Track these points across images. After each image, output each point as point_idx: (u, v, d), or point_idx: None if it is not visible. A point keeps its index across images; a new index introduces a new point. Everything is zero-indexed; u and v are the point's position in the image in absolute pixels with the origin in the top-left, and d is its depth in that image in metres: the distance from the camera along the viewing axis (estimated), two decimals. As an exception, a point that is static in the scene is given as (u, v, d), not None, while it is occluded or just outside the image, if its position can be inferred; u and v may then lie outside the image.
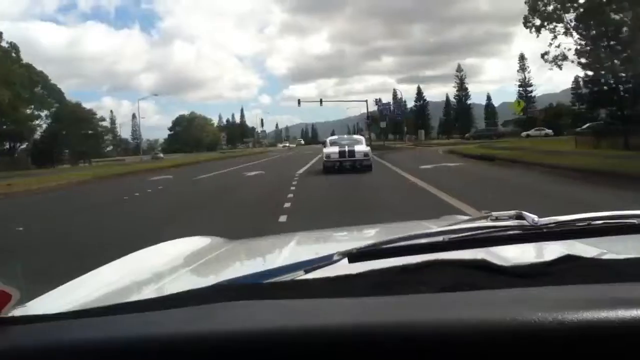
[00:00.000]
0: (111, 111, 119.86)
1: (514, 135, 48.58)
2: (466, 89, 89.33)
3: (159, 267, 1.11)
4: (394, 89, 58.12)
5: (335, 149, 16.46)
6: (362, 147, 16.61)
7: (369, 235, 1.48)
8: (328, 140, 18.98)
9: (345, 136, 21.95)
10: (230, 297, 0.56)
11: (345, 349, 0.44)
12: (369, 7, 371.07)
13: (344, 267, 0.67)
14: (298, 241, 1.40)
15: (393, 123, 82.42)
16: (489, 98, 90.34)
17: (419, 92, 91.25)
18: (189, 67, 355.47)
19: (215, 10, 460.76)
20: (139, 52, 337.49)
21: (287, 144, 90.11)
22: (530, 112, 51.58)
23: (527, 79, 71.30)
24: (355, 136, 21.60)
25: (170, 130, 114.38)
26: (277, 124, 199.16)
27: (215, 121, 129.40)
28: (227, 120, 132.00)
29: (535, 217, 0.72)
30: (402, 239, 0.72)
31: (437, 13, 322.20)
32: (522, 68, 71.39)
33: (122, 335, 0.50)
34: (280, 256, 1.23)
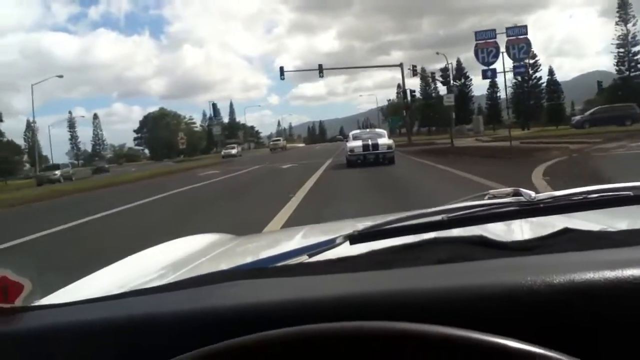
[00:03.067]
0: (70, 112, 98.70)
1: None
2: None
3: (167, 263, 1.13)
4: (415, 69, 34.82)
5: (359, 143, 16.74)
6: (385, 140, 17.00)
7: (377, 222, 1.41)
8: (351, 134, 19.20)
9: (367, 130, 23.47)
10: (236, 279, 0.59)
11: (341, 318, 0.44)
12: (377, 2, 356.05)
13: (346, 249, 0.70)
14: (305, 233, 1.43)
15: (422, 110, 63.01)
16: (551, 72, 67.35)
17: (460, 67, 68.34)
18: (198, 71, 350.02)
19: (223, 13, 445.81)
20: (149, 58, 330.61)
21: (280, 142, 65.74)
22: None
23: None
24: (377, 130, 22.23)
25: (137, 133, 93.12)
26: (279, 122, 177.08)
27: (199, 119, 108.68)
28: (210, 118, 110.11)
29: (532, 193, 0.73)
30: (402, 219, 0.74)
31: (446, 5, 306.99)
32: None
33: (131, 314, 0.53)
34: (287, 246, 1.24)
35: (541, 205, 0.71)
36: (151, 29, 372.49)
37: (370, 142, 16.38)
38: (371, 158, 15.85)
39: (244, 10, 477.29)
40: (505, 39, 16.27)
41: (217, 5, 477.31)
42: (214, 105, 39.05)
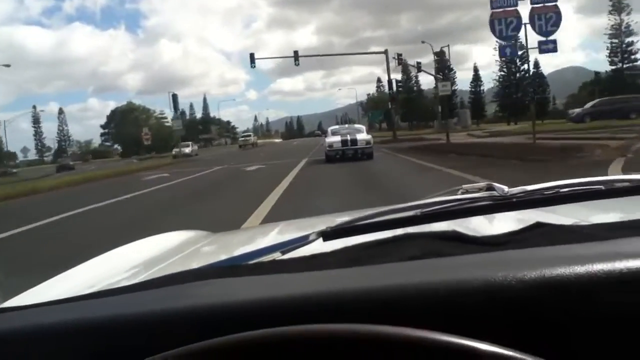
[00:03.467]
0: (34, 107, 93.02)
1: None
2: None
3: (139, 261, 1.12)
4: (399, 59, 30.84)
5: (337, 138, 16.82)
6: (363, 136, 17.04)
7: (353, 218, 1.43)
8: (329, 129, 19.38)
9: (346, 125, 23.63)
10: (210, 277, 0.59)
11: (313, 316, 0.44)
12: None
13: (319, 246, 0.70)
14: (281, 229, 1.43)
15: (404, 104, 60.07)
16: (537, 65, 64.53)
17: (443, 59, 64.77)
18: (176, 66, 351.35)
19: (201, 8, 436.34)
20: (125, 52, 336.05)
21: (250, 138, 57.92)
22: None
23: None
24: (356, 125, 22.23)
25: (104, 128, 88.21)
26: (255, 117, 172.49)
27: (170, 114, 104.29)
28: (182, 112, 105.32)
29: (505, 188, 0.74)
30: (375, 215, 0.74)
31: (424, 1, 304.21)
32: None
33: (101, 315, 0.52)
34: (261, 242, 1.28)
35: (514, 199, 0.72)
36: (127, 23, 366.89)
37: (349, 137, 16.45)
38: (350, 153, 15.91)
39: (222, 4, 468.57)
40: (529, 7, 12.73)
41: (195, 0, 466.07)
42: (174, 97, 33.48)
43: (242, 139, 58.56)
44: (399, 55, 34.84)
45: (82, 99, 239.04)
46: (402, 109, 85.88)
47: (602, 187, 0.73)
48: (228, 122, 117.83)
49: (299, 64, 31.67)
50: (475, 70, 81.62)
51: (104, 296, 0.58)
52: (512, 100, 60.00)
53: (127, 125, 74.46)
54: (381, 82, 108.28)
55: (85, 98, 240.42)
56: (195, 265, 0.96)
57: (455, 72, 79.82)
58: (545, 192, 0.73)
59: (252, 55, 31.52)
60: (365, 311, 0.45)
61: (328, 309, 0.46)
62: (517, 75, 64.71)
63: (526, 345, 0.40)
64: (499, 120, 72.61)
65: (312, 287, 0.50)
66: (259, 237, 1.41)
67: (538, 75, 67.85)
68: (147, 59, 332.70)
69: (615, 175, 0.77)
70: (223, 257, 1.00)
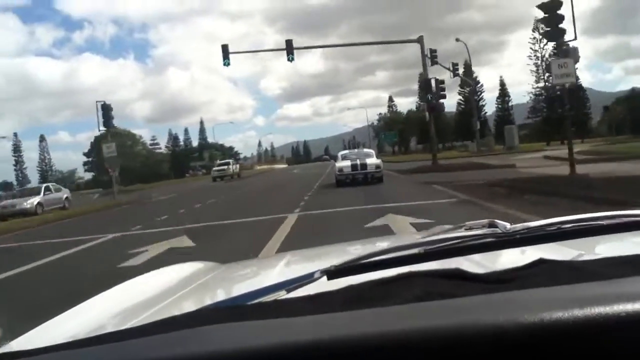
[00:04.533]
0: (15, 134, 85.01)
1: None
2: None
3: (148, 296, 1.12)
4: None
5: (348, 163, 16.86)
6: (373, 160, 17.21)
7: (357, 251, 1.45)
8: (340, 154, 19.41)
9: (356, 150, 23.68)
10: (212, 321, 0.58)
11: None
12: (362, 23, 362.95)
13: (323, 285, 0.71)
14: (287, 261, 1.44)
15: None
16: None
17: (469, 69, 54.93)
18: (184, 94, 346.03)
19: (209, 36, 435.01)
20: (134, 81, 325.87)
21: (227, 169, 42.14)
22: None
23: None
24: (366, 150, 22.28)
25: (87, 156, 79.35)
26: (259, 142, 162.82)
27: (164, 141, 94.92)
28: (175, 137, 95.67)
29: (508, 225, 0.75)
30: (379, 253, 0.75)
31: (429, 25, 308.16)
32: None
33: None
34: (268, 277, 1.27)
35: (517, 236, 0.73)
36: (136, 53, 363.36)
37: (358, 161, 16.68)
38: (360, 178, 16.22)
39: (229, 32, 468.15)
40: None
41: (203, 29, 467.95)
42: (105, 108, 21.38)
43: (217, 169, 42.31)
44: (433, 51, 25.01)
45: (91, 128, 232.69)
46: (416, 129, 76.13)
47: (603, 222, 0.74)
48: (231, 148, 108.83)
49: (292, 59, 22.15)
50: (502, 84, 72.20)
51: (96, 344, 0.56)
52: (556, 115, 50.52)
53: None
54: (392, 101, 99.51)
55: (93, 127, 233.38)
56: (198, 304, 0.96)
57: (482, 85, 70.45)
58: (548, 229, 0.74)
59: (224, 49, 21.87)
60: (370, 358, 0.45)
61: (332, 355, 0.46)
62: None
63: None
64: (535, 138, 63.48)
65: (315, 332, 0.49)
66: (265, 271, 1.41)
67: (578, 87, 58.94)
68: (155, 88, 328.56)
69: (619, 211, 0.77)
70: (228, 293, 1.00)
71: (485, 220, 0.79)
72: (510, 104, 72.05)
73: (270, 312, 0.59)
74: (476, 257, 0.82)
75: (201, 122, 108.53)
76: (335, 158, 20.76)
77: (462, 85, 63.99)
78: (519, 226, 0.74)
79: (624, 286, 0.51)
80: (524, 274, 0.65)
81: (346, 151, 21.55)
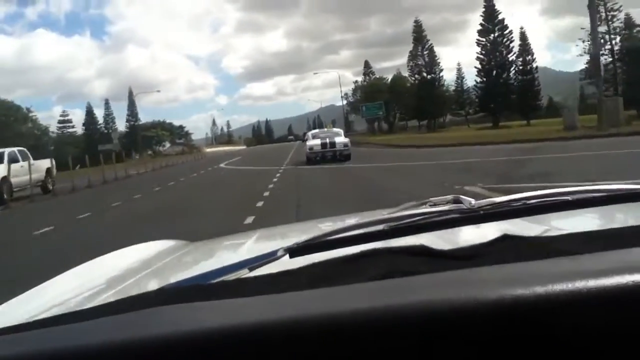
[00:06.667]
0: None
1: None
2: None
3: (112, 275, 1.13)
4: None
5: (317, 141, 18.86)
6: (341, 139, 19.09)
7: (327, 228, 1.33)
8: (310, 133, 21.56)
9: (325, 129, 24.94)
10: (172, 300, 0.57)
11: (274, 344, 0.45)
12: (325, 1, 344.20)
13: (286, 263, 0.70)
14: (256, 238, 1.44)
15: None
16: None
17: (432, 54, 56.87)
18: (143, 72, 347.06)
19: (168, 12, 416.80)
20: (91, 59, 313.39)
21: None
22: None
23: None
24: (334, 129, 23.56)
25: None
26: (213, 120, 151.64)
27: (78, 117, 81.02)
28: (91, 115, 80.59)
29: (473, 200, 0.74)
30: (343, 230, 0.74)
31: (392, 4, 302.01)
32: None
33: (48, 348, 0.49)
34: (234, 255, 1.30)
35: (481, 212, 0.72)
36: (93, 30, 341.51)
37: (328, 140, 18.71)
38: (329, 155, 18.10)
39: (188, 9, 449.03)
40: None
41: (162, 5, 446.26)
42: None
43: None
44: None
45: (47, 107, 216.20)
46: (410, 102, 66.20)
47: (569, 198, 0.73)
48: (181, 127, 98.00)
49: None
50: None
51: (53, 324, 0.55)
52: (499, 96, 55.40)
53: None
54: (370, 67, 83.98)
55: (50, 106, 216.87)
56: (161, 283, 0.95)
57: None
58: (513, 204, 0.73)
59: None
60: (331, 337, 0.45)
61: (292, 334, 0.45)
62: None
63: None
64: (480, 120, 64.17)
65: (275, 312, 0.48)
66: (232, 249, 1.43)
67: (526, 70, 56.53)
68: (113, 66, 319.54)
69: (584, 186, 0.77)
70: (196, 270, 1.00)
71: (450, 196, 0.78)
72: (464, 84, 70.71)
73: (232, 291, 0.59)
74: (441, 233, 0.80)
75: (130, 94, 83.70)
76: (302, 138, 21.82)
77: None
78: (484, 202, 0.73)
79: (588, 262, 0.51)
80: (488, 250, 0.65)
81: (316, 130, 24.49)
